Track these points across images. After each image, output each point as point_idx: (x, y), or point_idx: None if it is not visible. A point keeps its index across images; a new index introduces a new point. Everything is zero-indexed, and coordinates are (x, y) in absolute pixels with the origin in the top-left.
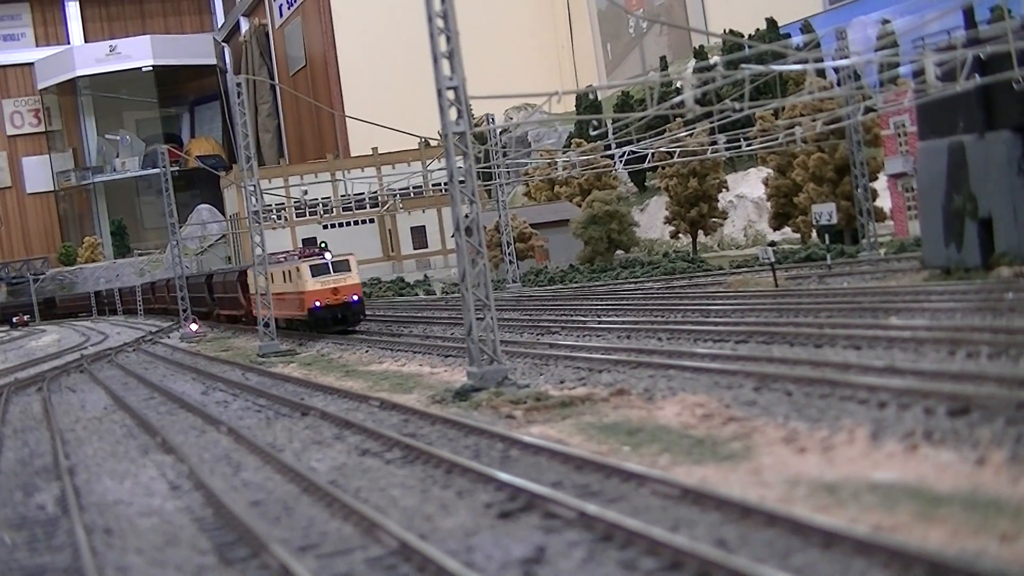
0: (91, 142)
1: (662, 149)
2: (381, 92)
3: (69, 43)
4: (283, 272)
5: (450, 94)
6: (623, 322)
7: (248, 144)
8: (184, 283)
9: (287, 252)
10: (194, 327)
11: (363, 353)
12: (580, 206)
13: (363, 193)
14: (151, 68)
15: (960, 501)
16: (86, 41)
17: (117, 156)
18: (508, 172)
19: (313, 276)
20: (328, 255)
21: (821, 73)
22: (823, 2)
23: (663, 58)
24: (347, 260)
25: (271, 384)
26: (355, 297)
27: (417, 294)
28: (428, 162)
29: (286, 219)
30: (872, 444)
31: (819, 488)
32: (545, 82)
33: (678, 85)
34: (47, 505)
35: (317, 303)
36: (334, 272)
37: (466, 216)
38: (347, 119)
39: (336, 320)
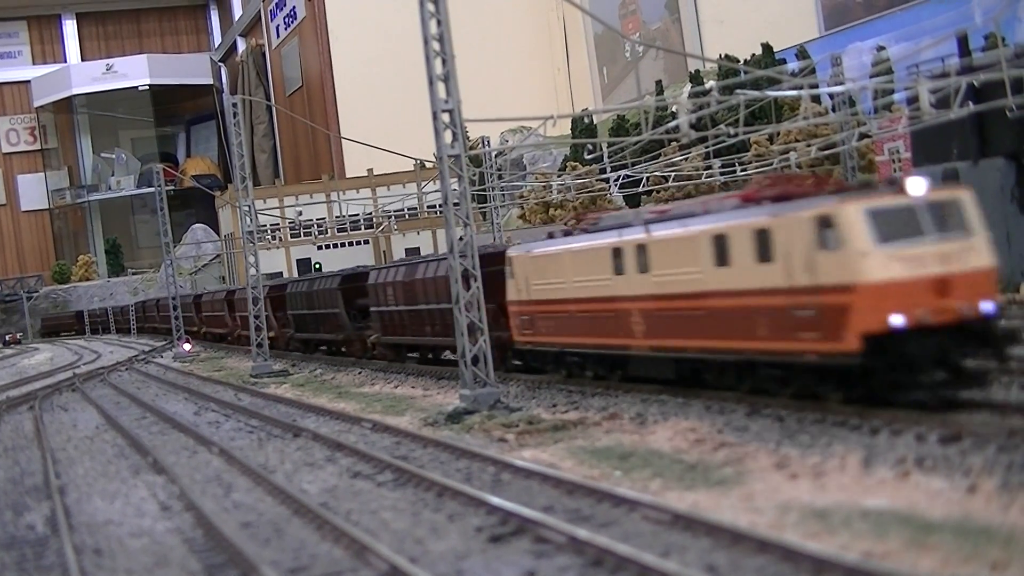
0: (87, 160)
1: (657, 173)
2: (377, 114)
3: (66, 61)
4: (712, 238)
5: (445, 117)
6: None
7: (243, 164)
8: (177, 302)
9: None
10: (187, 347)
11: (356, 374)
12: None
13: (358, 214)
14: (148, 87)
15: (951, 529)
16: (83, 59)
17: (112, 175)
18: (503, 195)
19: (880, 242)
20: (921, 182)
21: (816, 99)
22: (819, 28)
23: (659, 82)
24: (956, 201)
25: (263, 405)
26: (989, 305)
27: None
28: (423, 184)
29: (281, 239)
30: (864, 471)
31: (810, 514)
32: (541, 105)
33: (673, 109)
34: (37, 525)
35: (898, 317)
36: (937, 233)
37: (460, 238)
38: (343, 140)
39: (945, 365)
